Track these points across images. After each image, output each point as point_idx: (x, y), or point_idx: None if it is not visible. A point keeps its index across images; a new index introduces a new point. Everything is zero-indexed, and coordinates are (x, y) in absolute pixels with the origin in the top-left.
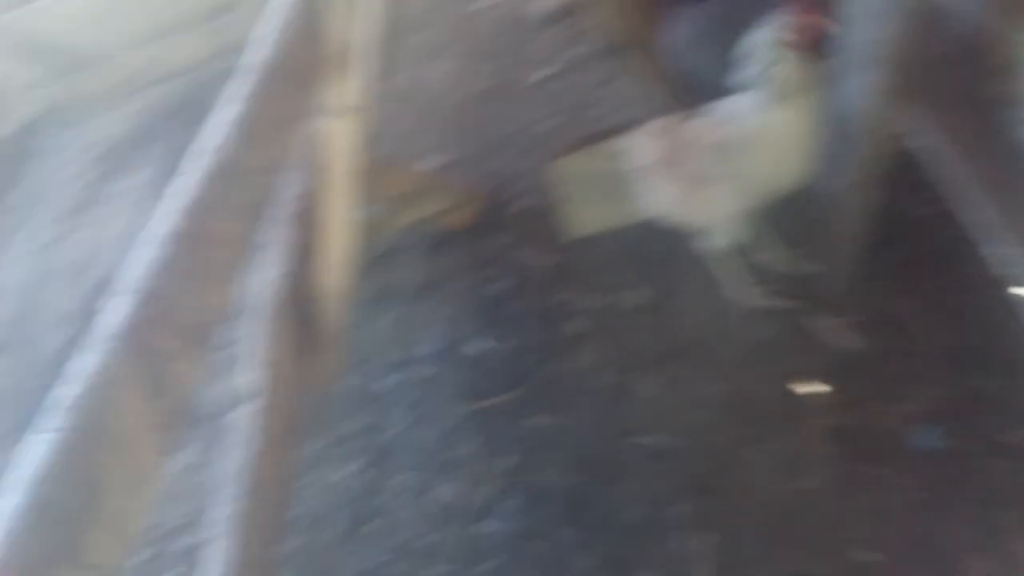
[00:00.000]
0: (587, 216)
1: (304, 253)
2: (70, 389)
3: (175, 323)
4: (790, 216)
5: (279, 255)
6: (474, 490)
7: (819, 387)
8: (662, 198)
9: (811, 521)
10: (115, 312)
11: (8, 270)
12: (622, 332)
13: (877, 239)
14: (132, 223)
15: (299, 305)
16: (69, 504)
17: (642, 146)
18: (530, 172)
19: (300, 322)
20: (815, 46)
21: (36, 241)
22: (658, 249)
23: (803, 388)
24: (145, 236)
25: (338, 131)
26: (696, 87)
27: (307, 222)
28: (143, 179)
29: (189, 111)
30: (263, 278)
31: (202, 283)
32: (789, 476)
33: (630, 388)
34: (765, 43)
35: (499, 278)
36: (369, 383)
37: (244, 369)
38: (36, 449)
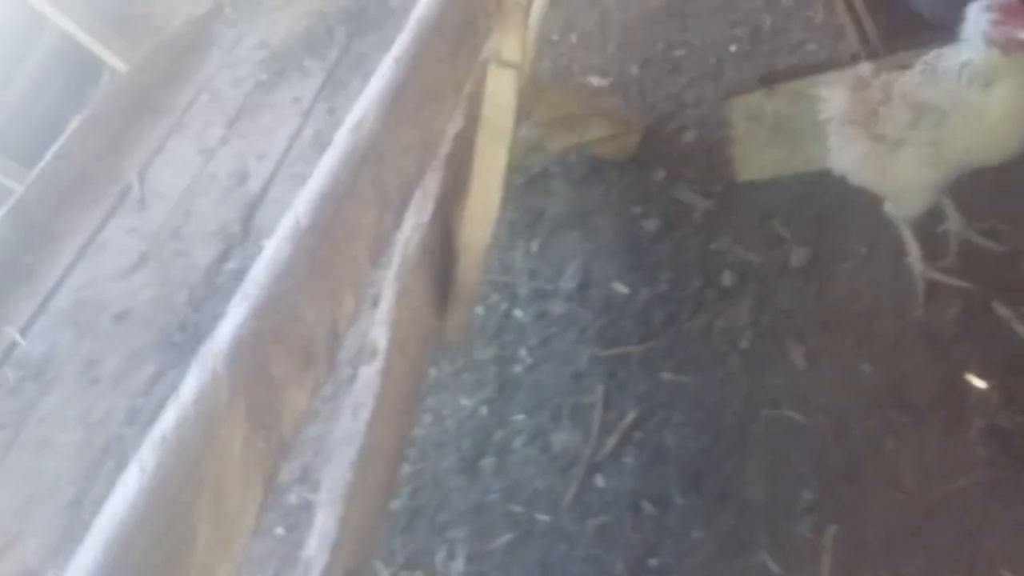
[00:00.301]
0: (758, 160)
1: (449, 203)
2: (164, 418)
3: (293, 341)
4: (986, 189)
5: (425, 201)
6: (591, 441)
7: (987, 381)
8: (847, 154)
9: (950, 528)
10: (228, 321)
11: (167, 173)
12: (776, 293)
13: None
14: (295, 135)
15: (437, 256)
16: (151, 560)
17: (834, 94)
18: (700, 102)
19: (436, 274)
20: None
21: (197, 145)
22: (830, 206)
23: (969, 379)
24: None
25: (499, 83)
26: (910, 28)
27: (456, 172)
28: (310, 87)
29: (363, 16)
30: (407, 224)
31: (330, 289)
32: (935, 475)
33: (774, 355)
34: (977, 25)
35: (651, 216)
36: (505, 310)
37: (376, 322)
38: (119, 490)
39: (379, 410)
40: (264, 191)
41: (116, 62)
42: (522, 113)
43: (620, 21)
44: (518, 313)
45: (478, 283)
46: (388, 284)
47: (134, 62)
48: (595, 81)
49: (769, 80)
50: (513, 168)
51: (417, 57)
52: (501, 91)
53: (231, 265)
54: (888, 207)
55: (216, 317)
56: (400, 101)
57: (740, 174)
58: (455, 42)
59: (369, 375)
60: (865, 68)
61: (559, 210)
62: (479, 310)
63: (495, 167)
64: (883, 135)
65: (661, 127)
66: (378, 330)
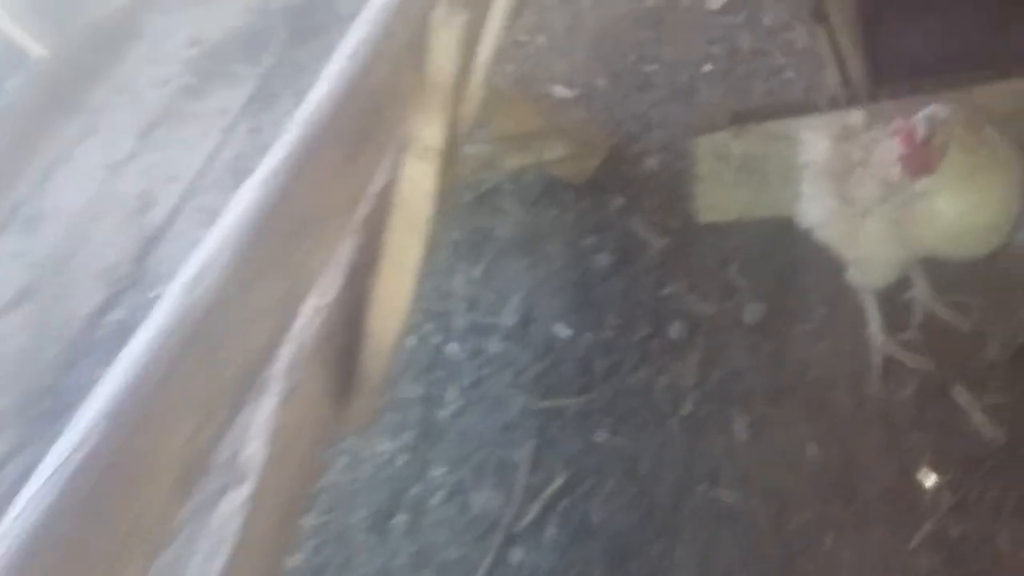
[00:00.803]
0: (721, 201)
1: (363, 275)
2: None
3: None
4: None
5: (332, 274)
6: (513, 506)
7: (940, 476)
8: (815, 207)
9: None
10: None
11: (69, 187)
12: (725, 350)
13: None
14: (211, 157)
15: (343, 337)
16: None
17: (816, 140)
18: (668, 124)
19: (340, 357)
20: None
21: (106, 155)
22: (792, 259)
23: (920, 474)
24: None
25: (417, 170)
26: (899, 72)
27: (375, 237)
28: (237, 99)
29: (307, 18)
30: (306, 308)
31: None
32: None
33: (717, 423)
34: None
35: (603, 250)
36: (438, 343)
37: (252, 434)
38: None
39: (241, 550)
40: (165, 225)
41: (42, 52)
42: (476, 125)
43: (593, 26)
44: (452, 348)
45: (388, 371)
46: (274, 381)
47: (54, 50)
48: (559, 91)
49: (741, 119)
50: (463, 184)
51: (299, 173)
52: (419, 177)
53: (114, 316)
54: (851, 272)
55: (85, 385)
56: (264, 242)
57: (701, 214)
58: (355, 144)
59: (233, 505)
60: (857, 116)
61: (507, 233)
62: (411, 340)
63: (408, 259)
64: (855, 197)
65: (624, 149)
66: (254, 444)
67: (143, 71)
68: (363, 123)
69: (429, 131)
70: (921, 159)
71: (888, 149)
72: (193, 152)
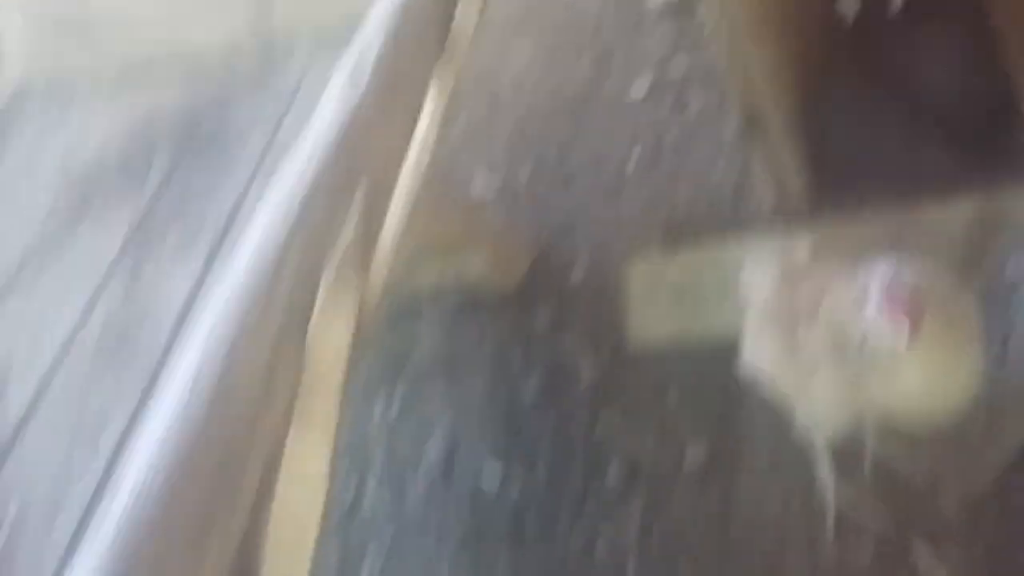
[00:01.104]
0: (655, 325)
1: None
2: None
3: None
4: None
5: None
6: None
7: None
8: (759, 352)
9: None
10: None
11: None
12: (668, 498)
13: None
14: (79, 323)
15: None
16: None
17: (760, 277)
18: (594, 227)
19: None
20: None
21: None
22: (733, 389)
23: None
24: None
25: (300, 500)
26: (845, 185)
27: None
28: (115, 234)
29: (201, 127)
30: None
31: None
32: None
33: None
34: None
35: (531, 375)
36: (356, 489)
37: None
38: None
39: None
40: (19, 426)
41: None
42: None
43: (512, 112)
44: (370, 495)
45: None
46: None
47: None
48: (478, 185)
49: (673, 238)
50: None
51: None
52: (302, 504)
53: None
54: (801, 418)
55: None
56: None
57: (634, 338)
58: (206, 516)
59: None
60: (801, 249)
61: (426, 354)
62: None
63: (317, 469)
64: (801, 346)
65: (548, 258)
66: None
67: (16, 186)
68: (217, 480)
69: (312, 454)
70: (905, 317)
71: (846, 297)
72: (58, 313)
